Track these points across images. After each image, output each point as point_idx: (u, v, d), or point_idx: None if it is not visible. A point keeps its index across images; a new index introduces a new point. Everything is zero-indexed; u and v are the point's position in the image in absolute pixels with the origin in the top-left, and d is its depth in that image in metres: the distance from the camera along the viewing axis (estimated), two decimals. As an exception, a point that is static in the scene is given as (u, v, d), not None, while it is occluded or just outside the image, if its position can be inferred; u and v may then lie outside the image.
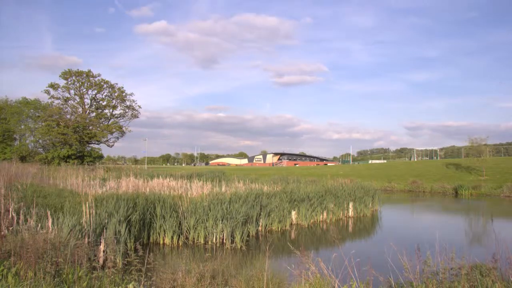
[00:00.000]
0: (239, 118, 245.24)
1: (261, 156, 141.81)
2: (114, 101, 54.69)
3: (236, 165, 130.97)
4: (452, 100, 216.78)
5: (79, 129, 49.49)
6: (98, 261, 7.95)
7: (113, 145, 56.08)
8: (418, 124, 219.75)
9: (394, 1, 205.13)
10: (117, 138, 55.62)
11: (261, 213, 13.93)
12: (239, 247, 11.45)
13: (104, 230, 9.57)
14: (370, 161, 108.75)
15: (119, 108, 55.34)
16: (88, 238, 8.93)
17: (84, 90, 52.77)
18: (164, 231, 11.77)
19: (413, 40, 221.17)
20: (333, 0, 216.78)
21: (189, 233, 12.01)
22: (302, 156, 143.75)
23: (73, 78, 51.36)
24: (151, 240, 11.85)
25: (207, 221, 11.99)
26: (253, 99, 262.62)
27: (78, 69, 51.94)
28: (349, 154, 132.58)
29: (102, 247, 8.53)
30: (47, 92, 51.49)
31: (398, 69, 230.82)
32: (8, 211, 9.00)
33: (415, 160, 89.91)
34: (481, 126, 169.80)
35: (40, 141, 53.04)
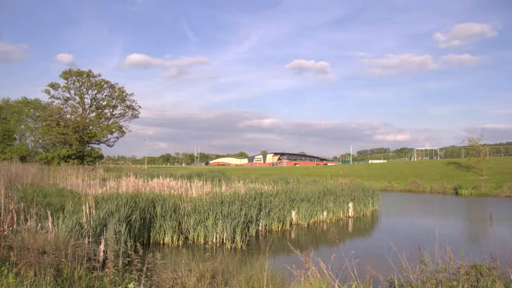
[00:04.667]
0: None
1: (261, 156, 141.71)
2: (114, 101, 54.72)
3: (236, 165, 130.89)
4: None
5: (79, 129, 49.50)
6: (98, 261, 7.95)
7: (113, 145, 56.17)
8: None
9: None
10: (117, 138, 55.69)
11: (261, 213, 13.94)
12: (239, 247, 11.46)
13: (104, 230, 9.58)
14: (370, 161, 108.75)
15: (119, 108, 55.41)
16: (88, 238, 8.94)
17: (84, 90, 52.80)
18: (164, 231, 11.78)
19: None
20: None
21: (189, 233, 12.02)
22: (302, 156, 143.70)
23: (73, 78, 51.37)
24: (151, 240, 11.86)
25: (207, 221, 12.00)
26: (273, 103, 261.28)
27: (78, 69, 52.02)
28: (349, 154, 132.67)
29: (102, 246, 8.53)
30: (47, 92, 51.52)
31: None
32: (8, 211, 9.00)
33: (415, 160, 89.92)
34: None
35: (40, 141, 53.05)
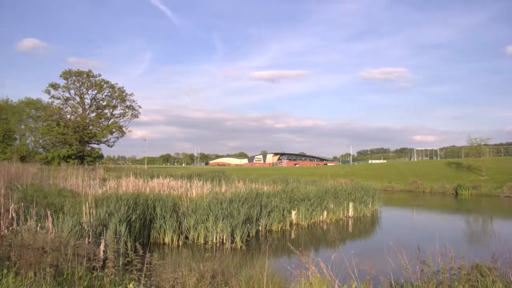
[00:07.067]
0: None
1: (261, 156, 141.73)
2: (114, 101, 54.75)
3: (236, 165, 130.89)
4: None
5: (79, 129, 49.54)
6: (98, 261, 7.94)
7: (113, 145, 56.18)
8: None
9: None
10: (117, 138, 55.72)
11: (261, 213, 13.93)
12: (239, 247, 11.45)
13: (104, 230, 9.58)
14: (370, 161, 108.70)
15: (119, 108, 55.45)
16: (88, 238, 8.94)
17: (84, 90, 52.85)
18: (164, 231, 11.77)
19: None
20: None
21: (189, 233, 12.01)
22: (302, 156, 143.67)
23: (74, 78, 51.40)
24: (151, 240, 11.85)
25: (207, 221, 11.99)
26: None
27: (78, 69, 52.05)
28: (349, 154, 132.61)
29: (102, 246, 8.53)
30: (48, 92, 51.55)
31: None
32: (8, 211, 9.00)
33: (415, 160, 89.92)
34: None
35: (40, 141, 53.10)
